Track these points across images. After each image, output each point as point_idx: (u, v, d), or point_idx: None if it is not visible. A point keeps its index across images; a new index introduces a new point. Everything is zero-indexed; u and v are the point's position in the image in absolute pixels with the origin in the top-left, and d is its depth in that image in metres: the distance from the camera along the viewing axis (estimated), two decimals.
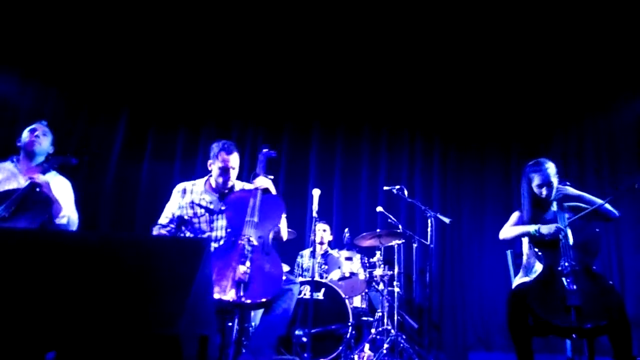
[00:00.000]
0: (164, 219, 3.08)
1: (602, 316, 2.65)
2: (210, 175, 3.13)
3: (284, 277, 2.76)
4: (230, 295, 2.46)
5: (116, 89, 5.69)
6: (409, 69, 5.90)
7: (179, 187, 3.14)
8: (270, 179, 3.15)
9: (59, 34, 5.19)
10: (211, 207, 3.05)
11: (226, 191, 3.08)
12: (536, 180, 3.16)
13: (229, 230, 2.85)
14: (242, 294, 2.47)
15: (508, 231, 3.25)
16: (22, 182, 2.96)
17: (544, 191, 3.14)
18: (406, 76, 5.97)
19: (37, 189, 2.87)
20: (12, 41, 4.95)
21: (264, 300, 2.55)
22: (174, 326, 1.32)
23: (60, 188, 3.14)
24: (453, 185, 5.97)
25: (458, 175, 6.00)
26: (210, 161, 3.08)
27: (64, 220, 3.03)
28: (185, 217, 3.04)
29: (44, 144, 3.12)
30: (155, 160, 5.81)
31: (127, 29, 5.36)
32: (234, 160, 3.01)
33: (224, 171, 3.00)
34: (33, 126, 3.14)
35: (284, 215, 3.04)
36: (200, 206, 3.04)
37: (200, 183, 3.15)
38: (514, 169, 5.73)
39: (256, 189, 2.91)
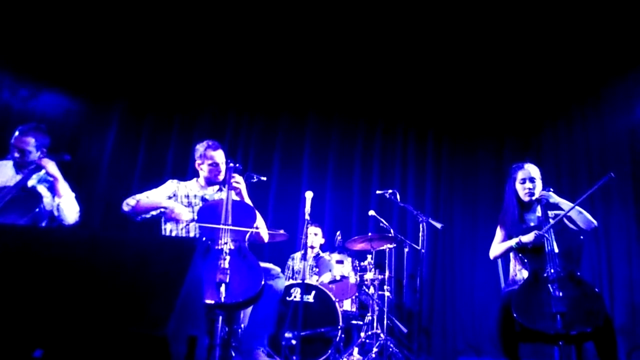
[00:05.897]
0: (143, 196, 3.12)
1: (588, 322, 2.66)
2: (198, 177, 3.34)
3: (272, 271, 2.95)
4: (211, 297, 2.50)
5: (109, 82, 5.64)
6: (402, 64, 5.86)
7: (173, 181, 3.31)
8: (262, 179, 3.34)
9: (51, 27, 5.12)
10: (207, 197, 3.25)
11: (216, 186, 3.30)
12: (520, 175, 3.18)
13: (204, 238, 2.88)
14: (223, 295, 2.50)
15: (496, 250, 3.28)
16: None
17: (527, 185, 3.16)
18: (400, 72, 5.95)
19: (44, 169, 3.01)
20: (2, 35, 4.90)
21: (243, 300, 2.59)
22: (163, 327, 1.31)
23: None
24: (446, 191, 5.98)
25: (451, 180, 6.01)
26: (197, 161, 3.28)
27: (61, 205, 3.04)
28: None
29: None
30: (148, 158, 5.78)
31: (120, 21, 5.29)
32: (220, 155, 3.25)
33: (213, 166, 3.21)
34: (25, 142, 3.05)
35: (260, 219, 3.15)
36: (196, 196, 3.24)
37: (191, 182, 3.36)
38: (506, 175, 5.73)
39: (228, 191, 3.01)
